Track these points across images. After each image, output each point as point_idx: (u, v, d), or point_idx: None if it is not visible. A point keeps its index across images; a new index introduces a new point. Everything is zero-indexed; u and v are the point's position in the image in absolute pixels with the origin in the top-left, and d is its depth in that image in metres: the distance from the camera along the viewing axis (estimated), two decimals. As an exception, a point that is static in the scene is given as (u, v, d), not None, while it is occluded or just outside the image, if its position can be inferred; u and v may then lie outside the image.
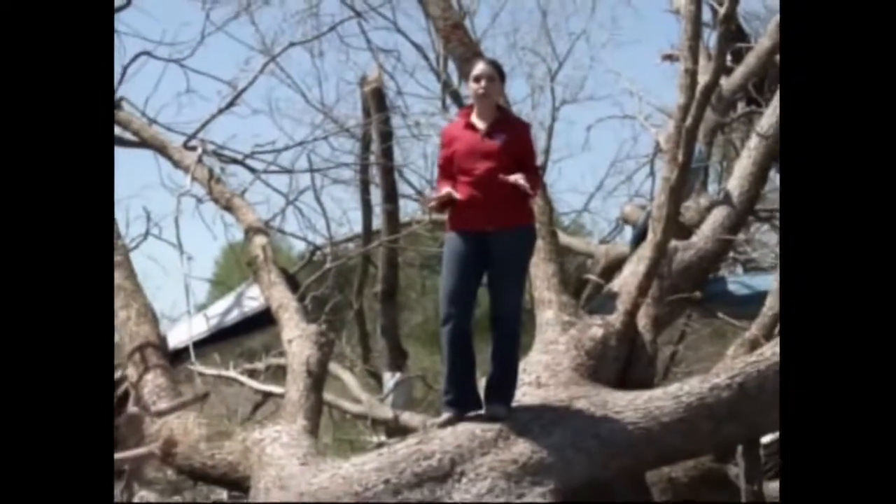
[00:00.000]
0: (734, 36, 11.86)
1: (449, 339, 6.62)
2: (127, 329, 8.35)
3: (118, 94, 11.10)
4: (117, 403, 8.73)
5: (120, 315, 8.47)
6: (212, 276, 27.00)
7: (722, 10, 8.52)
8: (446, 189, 6.74)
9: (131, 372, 8.08)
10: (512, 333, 6.76)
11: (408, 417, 10.45)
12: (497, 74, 6.88)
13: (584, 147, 27.03)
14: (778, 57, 11.30)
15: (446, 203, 6.78)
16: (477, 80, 6.82)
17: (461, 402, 6.66)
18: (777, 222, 13.61)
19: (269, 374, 11.19)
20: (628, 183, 18.96)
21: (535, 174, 6.98)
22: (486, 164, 6.63)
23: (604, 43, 39.68)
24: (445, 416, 6.58)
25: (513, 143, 6.76)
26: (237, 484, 7.32)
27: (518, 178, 6.48)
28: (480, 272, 6.67)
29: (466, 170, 6.73)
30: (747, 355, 7.40)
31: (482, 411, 6.67)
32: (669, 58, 13.24)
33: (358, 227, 16.09)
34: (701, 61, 8.81)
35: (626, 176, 19.15)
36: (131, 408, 6.18)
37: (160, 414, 6.41)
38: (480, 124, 6.77)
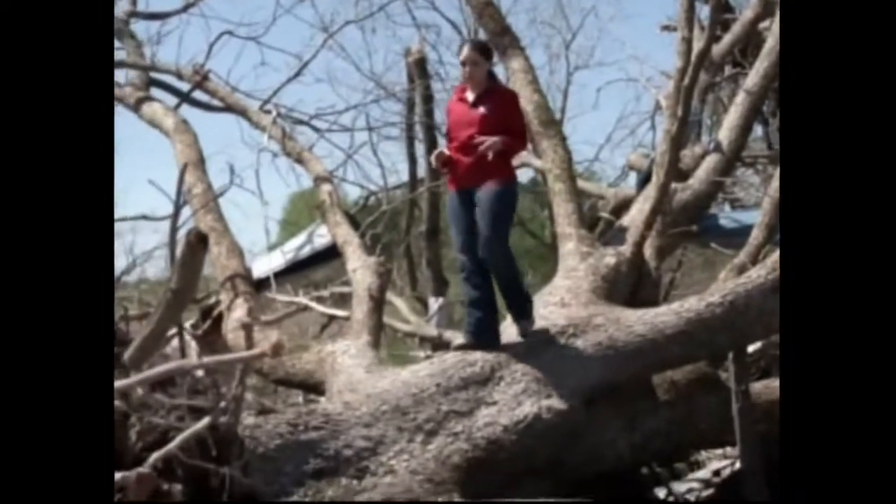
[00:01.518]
0: (722, 8, 11.80)
1: (465, 280, 6.61)
2: (219, 263, 8.48)
3: (206, 67, 11.22)
4: (213, 324, 8.92)
5: (213, 251, 8.56)
6: (281, 218, 27.18)
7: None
8: (437, 150, 6.77)
9: (224, 298, 8.27)
10: (503, 270, 6.61)
11: (450, 335, 10.39)
12: (481, 56, 6.74)
13: (595, 106, 26.92)
14: (760, 25, 11.31)
15: (446, 163, 6.74)
16: (462, 64, 6.75)
17: (478, 332, 6.59)
18: (759, 166, 13.61)
19: (332, 301, 11.31)
20: (632, 136, 18.98)
21: (520, 137, 6.84)
22: (470, 131, 6.56)
23: (611, 17, 39.64)
24: (461, 341, 6.57)
25: (496, 111, 6.64)
26: (313, 388, 7.44)
27: (490, 140, 6.41)
28: (475, 220, 6.57)
29: (455, 137, 6.71)
30: (737, 278, 7.43)
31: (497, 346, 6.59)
32: (667, 28, 13.18)
33: (405, 177, 16.15)
34: (695, 31, 8.77)
35: (630, 130, 19.18)
36: (244, 318, 6.24)
37: (268, 323, 6.52)
38: (470, 96, 6.72)
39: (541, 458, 6.29)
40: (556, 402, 6.37)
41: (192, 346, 7.48)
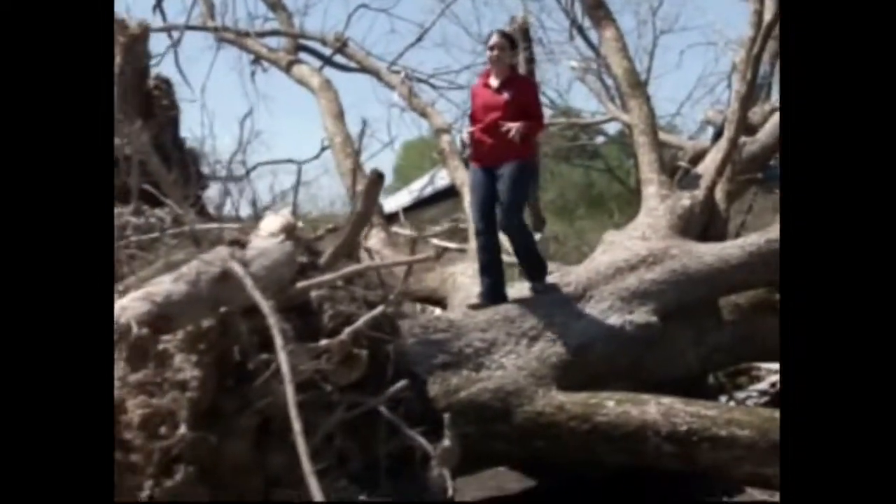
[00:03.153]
0: None
1: (479, 247, 6.61)
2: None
3: (345, 34, 11.33)
4: (353, 249, 9.45)
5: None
6: (394, 164, 27.76)
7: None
8: (466, 132, 6.73)
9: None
10: (520, 240, 6.55)
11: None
12: (508, 44, 6.69)
13: (678, 66, 26.94)
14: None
15: (469, 142, 6.69)
16: (491, 48, 6.67)
17: (490, 295, 6.59)
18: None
19: (447, 234, 11.68)
20: (711, 93, 19.03)
21: (538, 121, 6.76)
22: (494, 115, 6.49)
23: (695, -16, 39.10)
24: (477, 301, 6.54)
25: (518, 97, 6.56)
26: (436, 302, 7.74)
27: (515, 126, 6.31)
28: (494, 194, 6.51)
29: (481, 119, 6.62)
30: None
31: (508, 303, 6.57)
32: None
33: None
34: (767, 2, 8.64)
35: (709, 88, 19.29)
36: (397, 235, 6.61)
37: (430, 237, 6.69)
38: (494, 82, 6.63)
39: (622, 363, 6.50)
40: (636, 318, 6.60)
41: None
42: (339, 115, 9.88)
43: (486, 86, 6.68)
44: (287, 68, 10.87)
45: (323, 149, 8.03)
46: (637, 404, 5.92)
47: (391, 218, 10.14)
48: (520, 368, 6.09)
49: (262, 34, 11.46)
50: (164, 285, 2.88)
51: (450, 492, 3.27)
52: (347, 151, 9.39)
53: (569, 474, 6.65)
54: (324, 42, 11.60)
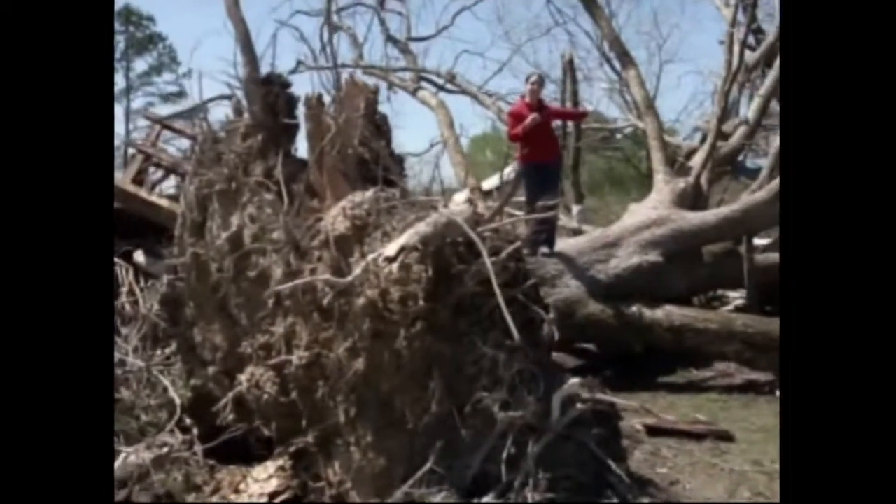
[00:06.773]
0: (755, 32, 11.97)
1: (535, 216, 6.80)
2: (466, 181, 9.77)
3: (453, 70, 12.31)
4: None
5: (461, 175, 10.20)
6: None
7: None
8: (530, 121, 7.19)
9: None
10: (553, 214, 7.03)
11: (586, 227, 10.65)
12: (542, 81, 7.74)
13: (678, 86, 28.02)
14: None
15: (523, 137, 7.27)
16: (533, 84, 7.57)
17: (545, 244, 7.17)
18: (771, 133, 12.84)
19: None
20: (700, 107, 19.92)
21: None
22: (540, 126, 7.30)
23: (689, 30, 39.85)
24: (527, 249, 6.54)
25: (550, 111, 7.67)
26: None
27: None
28: (542, 181, 7.12)
29: (530, 130, 7.26)
30: (750, 196, 8.09)
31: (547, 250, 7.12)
32: (723, 42, 13.77)
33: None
34: (734, 51, 9.16)
35: (699, 103, 20.27)
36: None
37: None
38: (533, 104, 7.45)
39: (641, 286, 7.15)
40: (650, 258, 7.32)
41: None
42: (451, 125, 10.79)
43: (529, 107, 7.46)
44: (413, 93, 11.81)
45: (431, 146, 9.17)
46: (650, 308, 6.96)
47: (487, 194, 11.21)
48: (578, 287, 7.04)
49: (395, 69, 12.43)
50: (421, 226, 4.28)
51: (555, 336, 4.59)
52: (457, 148, 10.50)
53: (604, 357, 7.34)
54: (438, 75, 12.52)
